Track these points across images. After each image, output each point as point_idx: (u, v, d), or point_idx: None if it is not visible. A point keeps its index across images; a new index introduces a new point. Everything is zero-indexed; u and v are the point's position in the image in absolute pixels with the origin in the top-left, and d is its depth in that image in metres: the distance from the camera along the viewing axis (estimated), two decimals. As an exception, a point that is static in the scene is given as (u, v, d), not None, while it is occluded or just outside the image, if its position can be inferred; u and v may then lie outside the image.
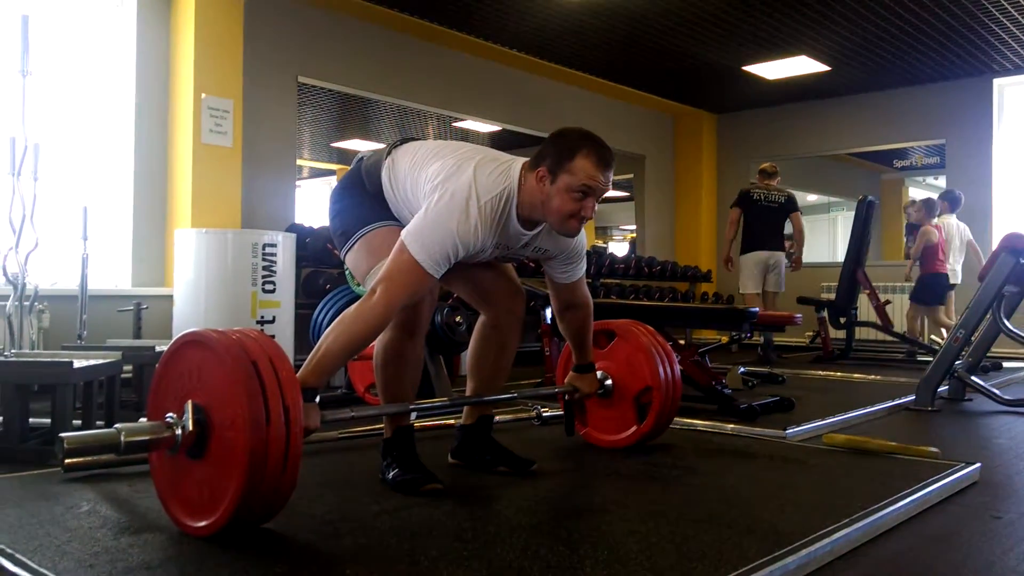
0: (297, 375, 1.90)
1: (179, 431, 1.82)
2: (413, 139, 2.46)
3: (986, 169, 8.10)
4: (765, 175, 7.23)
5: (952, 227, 7.23)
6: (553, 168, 2.18)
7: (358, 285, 4.16)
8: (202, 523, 1.81)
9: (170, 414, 1.85)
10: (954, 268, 7.18)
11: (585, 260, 2.58)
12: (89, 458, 2.49)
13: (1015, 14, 6.30)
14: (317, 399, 2.03)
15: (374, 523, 2.03)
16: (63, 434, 1.77)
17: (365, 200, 2.41)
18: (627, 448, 2.93)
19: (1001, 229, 7.54)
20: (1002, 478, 2.73)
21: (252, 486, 1.72)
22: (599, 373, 2.91)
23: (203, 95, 5.08)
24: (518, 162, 2.29)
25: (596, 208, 2.26)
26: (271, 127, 5.92)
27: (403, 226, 2.25)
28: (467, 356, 2.65)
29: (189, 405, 1.82)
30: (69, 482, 2.41)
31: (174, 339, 1.95)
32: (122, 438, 1.79)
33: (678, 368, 2.96)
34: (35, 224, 3.30)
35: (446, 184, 2.18)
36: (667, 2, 6.16)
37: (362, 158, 2.50)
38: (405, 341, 2.37)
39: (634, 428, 2.93)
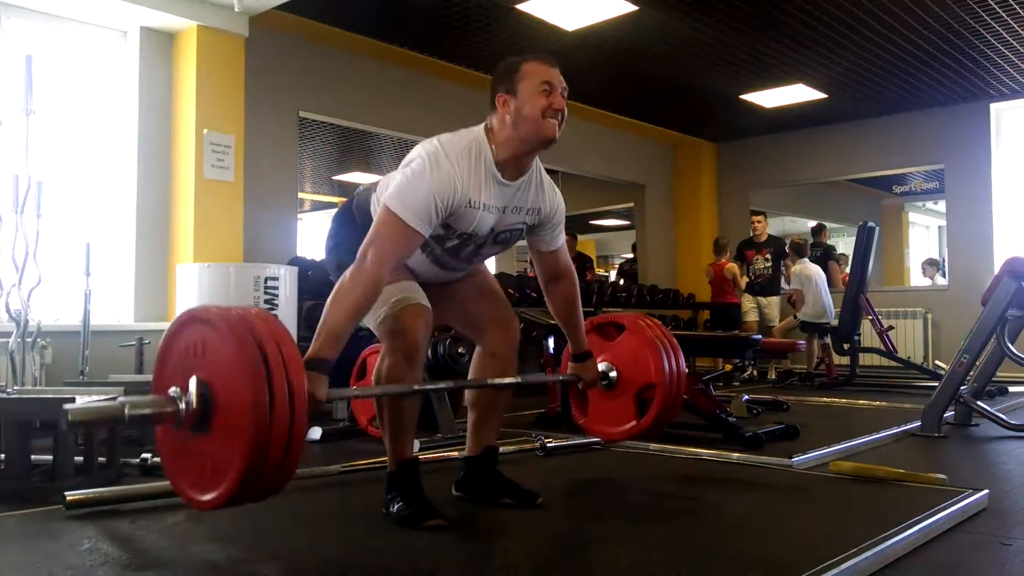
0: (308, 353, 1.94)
1: (183, 406, 1.81)
2: None
3: (985, 193, 8.12)
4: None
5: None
6: (509, 87, 2.28)
7: (360, 317, 4.16)
8: (208, 496, 1.81)
9: (174, 388, 1.85)
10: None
11: (563, 231, 2.60)
12: (91, 494, 2.49)
13: (1010, 40, 6.35)
14: (327, 372, 2.03)
15: (378, 558, 2.01)
16: (67, 406, 1.78)
17: (359, 234, 2.41)
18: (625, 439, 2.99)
19: (1002, 253, 7.55)
20: (1011, 504, 2.70)
21: (255, 463, 1.71)
22: (604, 364, 2.90)
23: (205, 131, 5.11)
24: (479, 126, 2.37)
25: (566, 113, 2.31)
26: (273, 161, 5.96)
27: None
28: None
29: (193, 380, 1.81)
30: (71, 519, 2.40)
31: (178, 315, 1.96)
32: (126, 411, 1.79)
33: (683, 363, 2.93)
34: (38, 260, 3.32)
35: (412, 155, 2.27)
36: (664, 33, 6.22)
37: (356, 195, 2.52)
38: (404, 370, 2.35)
39: (633, 423, 2.90)
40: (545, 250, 2.57)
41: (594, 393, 2.99)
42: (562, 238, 2.58)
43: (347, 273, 2.11)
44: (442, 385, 2.61)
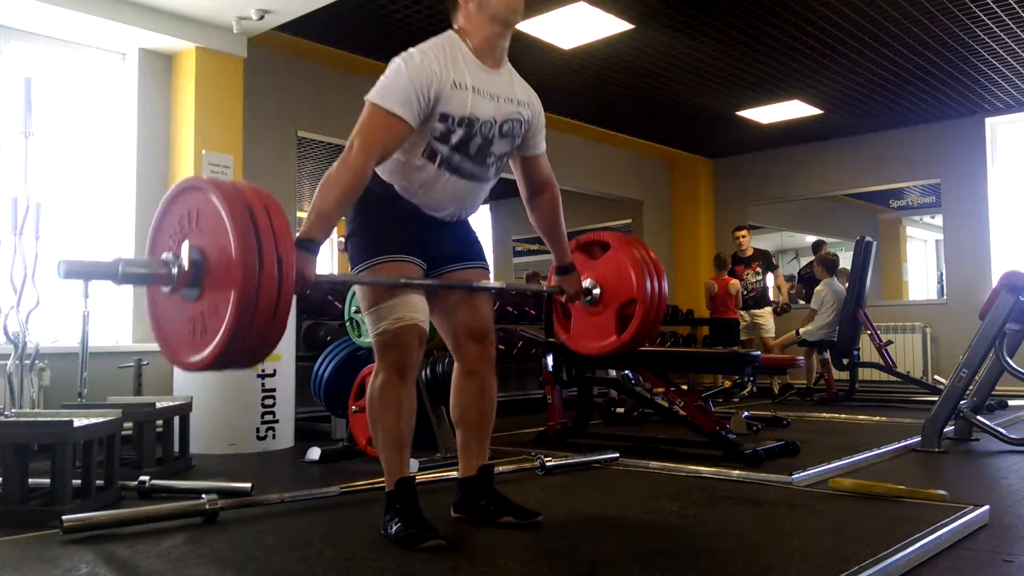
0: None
1: (175, 269, 1.89)
2: None
3: (982, 207, 8.15)
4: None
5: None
6: None
7: (359, 336, 4.16)
8: (196, 358, 1.88)
9: (167, 252, 1.93)
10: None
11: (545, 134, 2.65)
12: (89, 518, 2.48)
13: (1005, 55, 6.39)
14: (317, 252, 2.10)
15: (377, 580, 2.00)
16: (62, 259, 1.83)
17: (376, 223, 2.42)
18: (609, 355, 3.07)
19: (999, 267, 7.57)
20: (1012, 520, 2.70)
21: (243, 325, 1.77)
22: (588, 282, 2.95)
23: (204, 151, 5.13)
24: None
25: None
26: (271, 181, 5.96)
27: (411, 262, 2.37)
28: (451, 409, 2.62)
29: (186, 245, 1.89)
30: (68, 543, 2.39)
31: (176, 184, 2.03)
32: (120, 268, 1.88)
33: (665, 285, 2.99)
34: (36, 282, 3.32)
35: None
36: (660, 50, 6.26)
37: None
38: (397, 384, 2.36)
39: (614, 338, 2.95)
40: (530, 155, 2.61)
41: (577, 310, 3.07)
42: (544, 143, 2.63)
43: (336, 162, 2.17)
44: (428, 281, 2.45)
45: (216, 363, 1.85)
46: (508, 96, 2.44)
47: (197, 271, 1.87)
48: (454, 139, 2.34)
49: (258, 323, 1.79)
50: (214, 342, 1.82)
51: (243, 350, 1.85)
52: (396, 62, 2.28)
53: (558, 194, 2.71)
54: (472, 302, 2.54)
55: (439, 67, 2.27)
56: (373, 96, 2.24)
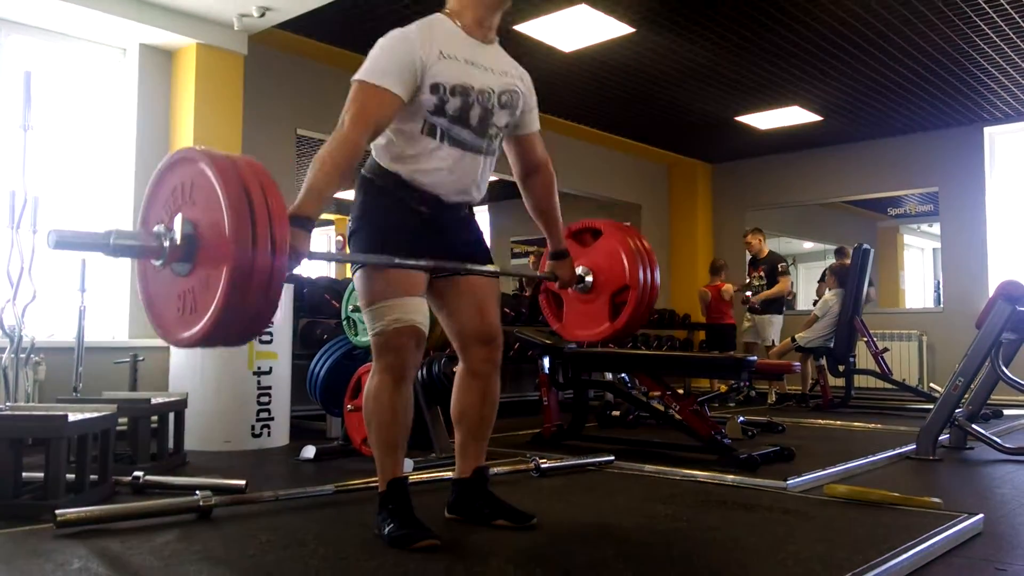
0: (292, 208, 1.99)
1: (167, 243, 1.85)
2: None
3: (980, 216, 8.16)
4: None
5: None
6: None
7: (355, 335, 4.16)
8: (187, 333, 1.85)
9: (159, 225, 1.89)
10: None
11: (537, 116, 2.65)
12: (82, 513, 2.47)
13: (1004, 64, 6.41)
14: (311, 229, 2.07)
15: (370, 580, 2.00)
16: (52, 229, 1.78)
17: (378, 222, 2.40)
18: (601, 341, 3.04)
19: (996, 276, 7.58)
20: (1006, 529, 2.70)
21: (235, 300, 1.74)
22: (581, 269, 2.94)
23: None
24: None
25: None
26: (270, 178, 5.96)
27: (416, 266, 2.34)
28: (451, 408, 2.61)
29: (179, 218, 1.85)
30: (61, 538, 2.38)
31: (170, 154, 2.00)
32: (112, 240, 1.82)
33: (658, 274, 2.98)
34: (33, 276, 3.31)
35: None
36: (660, 54, 6.26)
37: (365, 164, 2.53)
38: (393, 387, 2.35)
39: (607, 325, 2.95)
40: (524, 133, 2.60)
41: (569, 297, 3.06)
42: (537, 123, 2.63)
43: (329, 139, 2.18)
44: (422, 263, 2.37)
45: (207, 339, 1.82)
46: (503, 69, 2.46)
47: (189, 246, 1.84)
48: (450, 109, 2.32)
49: (251, 300, 1.77)
50: (205, 318, 1.79)
51: (235, 326, 1.82)
52: (379, 42, 2.30)
53: (553, 175, 2.70)
54: (480, 305, 2.51)
55: (423, 39, 2.28)
56: (359, 74, 2.25)
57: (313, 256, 2.12)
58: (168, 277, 1.91)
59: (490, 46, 2.45)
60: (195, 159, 1.88)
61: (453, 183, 2.40)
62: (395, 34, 2.29)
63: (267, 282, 1.78)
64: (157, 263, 1.91)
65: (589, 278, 2.97)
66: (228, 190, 1.78)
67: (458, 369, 2.60)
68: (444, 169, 2.37)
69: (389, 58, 2.24)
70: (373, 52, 2.28)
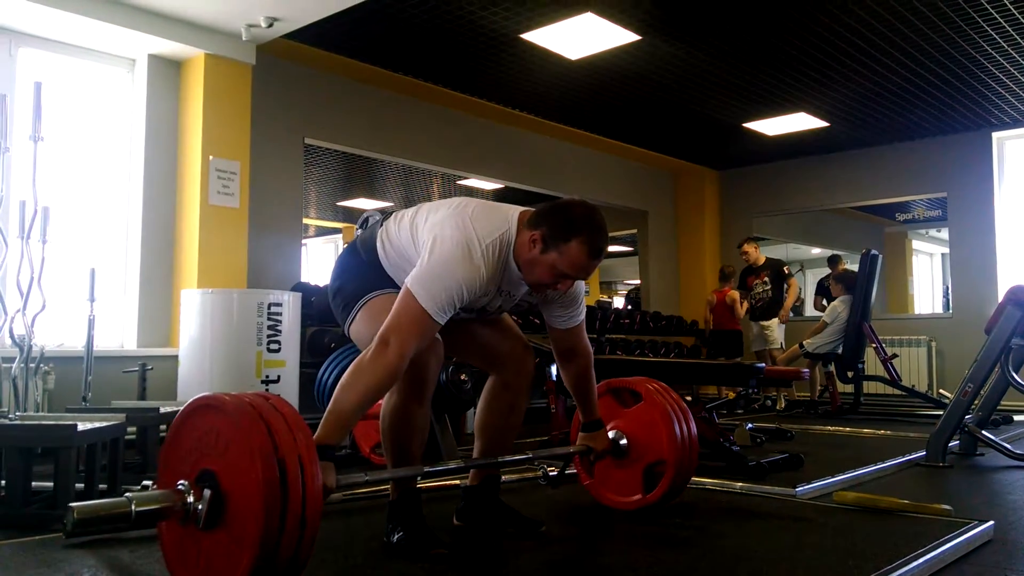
0: (313, 436, 1.86)
1: (191, 499, 1.75)
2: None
3: (988, 222, 8.13)
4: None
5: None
6: (547, 239, 2.18)
7: (363, 344, 4.16)
8: None
9: (182, 481, 1.78)
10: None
11: (584, 307, 2.56)
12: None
13: (1012, 69, 6.39)
14: (334, 460, 1.98)
15: (378, 588, 1.99)
16: (73, 504, 1.69)
17: (362, 271, 2.41)
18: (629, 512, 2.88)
19: (1005, 281, 7.55)
20: (1017, 535, 2.68)
21: (266, 555, 1.65)
22: (614, 432, 2.86)
23: (211, 157, 5.15)
24: (515, 209, 2.31)
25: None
26: (278, 188, 5.99)
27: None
28: (476, 416, 2.63)
29: (205, 489, 1.75)
30: (71, 547, 2.39)
31: (187, 403, 1.88)
32: (133, 507, 1.70)
33: (694, 427, 2.87)
34: (42, 286, 3.32)
35: (444, 229, 2.18)
36: (666, 61, 6.27)
37: (360, 231, 2.52)
38: (413, 406, 2.35)
39: (639, 496, 2.84)
40: (561, 327, 2.52)
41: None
42: (581, 317, 2.53)
43: (366, 359, 2.04)
44: (452, 466, 2.45)
45: None
46: (519, 295, 2.39)
47: (216, 499, 1.73)
48: (462, 315, 2.30)
49: (284, 550, 1.68)
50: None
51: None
52: (453, 248, 2.14)
53: (591, 360, 2.64)
54: (503, 326, 2.54)
55: (486, 277, 2.17)
56: (419, 290, 2.09)
57: (341, 485, 2.03)
58: (192, 533, 1.79)
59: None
60: (215, 406, 1.79)
61: None
62: (471, 260, 2.14)
63: (299, 530, 1.69)
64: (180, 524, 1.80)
65: (624, 442, 2.86)
66: (252, 435, 1.70)
67: (489, 380, 2.61)
68: None
69: (449, 292, 2.10)
70: (442, 266, 2.12)
